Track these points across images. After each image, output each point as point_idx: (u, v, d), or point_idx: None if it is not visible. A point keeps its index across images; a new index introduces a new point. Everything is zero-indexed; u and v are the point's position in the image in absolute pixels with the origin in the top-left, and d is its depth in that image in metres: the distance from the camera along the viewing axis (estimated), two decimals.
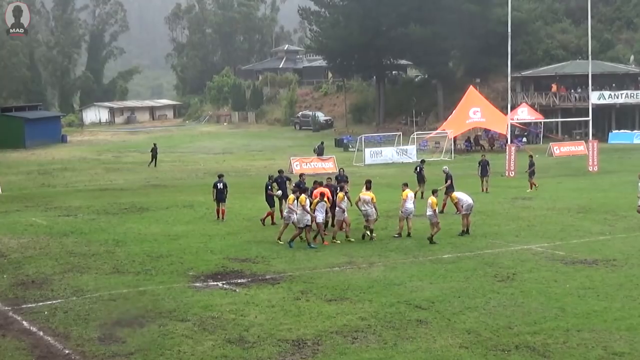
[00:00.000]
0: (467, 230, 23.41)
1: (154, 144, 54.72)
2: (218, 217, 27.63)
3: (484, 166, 34.71)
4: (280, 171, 27.83)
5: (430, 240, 22.18)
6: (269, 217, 26.20)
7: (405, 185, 23.93)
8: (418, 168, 32.92)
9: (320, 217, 22.51)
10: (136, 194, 36.21)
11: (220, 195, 27.65)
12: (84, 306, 16.07)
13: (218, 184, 27.72)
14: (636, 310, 15.32)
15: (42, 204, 32.36)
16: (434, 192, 23.18)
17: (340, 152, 58.42)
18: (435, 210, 22.28)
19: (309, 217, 21.99)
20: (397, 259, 20.31)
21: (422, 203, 26.26)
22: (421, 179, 32.23)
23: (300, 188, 23.49)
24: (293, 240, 22.14)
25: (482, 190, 33.77)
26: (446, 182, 28.18)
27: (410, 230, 23.30)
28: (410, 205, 23.14)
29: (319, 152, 53.94)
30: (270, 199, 26.34)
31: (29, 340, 14.14)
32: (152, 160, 52.70)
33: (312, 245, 21.94)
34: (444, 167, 30.85)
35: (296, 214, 22.14)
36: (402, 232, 23.36)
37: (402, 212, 23.31)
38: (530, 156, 36.74)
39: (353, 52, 79.37)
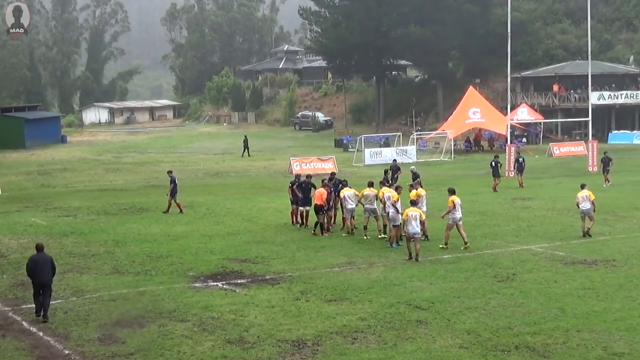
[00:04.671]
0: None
1: (245, 136, 60.63)
2: (181, 211, 28.54)
3: (520, 163, 36.42)
4: (308, 176, 26.27)
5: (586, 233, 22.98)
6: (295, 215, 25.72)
7: (452, 191, 21.75)
8: (493, 163, 34.63)
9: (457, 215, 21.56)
10: (136, 194, 36.17)
11: (176, 189, 28.70)
12: (83, 306, 16.08)
13: (175, 179, 28.93)
14: (636, 311, 15.33)
15: (42, 205, 32.33)
16: (583, 186, 23.44)
17: (340, 153, 58.38)
18: (592, 202, 22.78)
19: (399, 216, 21.56)
20: (396, 260, 20.28)
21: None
22: (496, 174, 34.35)
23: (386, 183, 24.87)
24: (390, 241, 21.96)
25: (520, 185, 35.22)
26: (414, 180, 28.21)
27: (465, 239, 21.46)
28: (459, 213, 21.38)
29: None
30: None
31: (29, 341, 14.16)
32: (244, 150, 58.57)
33: (394, 245, 21.76)
34: (412, 167, 33.66)
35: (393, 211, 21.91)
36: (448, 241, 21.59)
37: (450, 220, 21.48)
38: (395, 162, 38.48)
39: (353, 52, 79.27)
